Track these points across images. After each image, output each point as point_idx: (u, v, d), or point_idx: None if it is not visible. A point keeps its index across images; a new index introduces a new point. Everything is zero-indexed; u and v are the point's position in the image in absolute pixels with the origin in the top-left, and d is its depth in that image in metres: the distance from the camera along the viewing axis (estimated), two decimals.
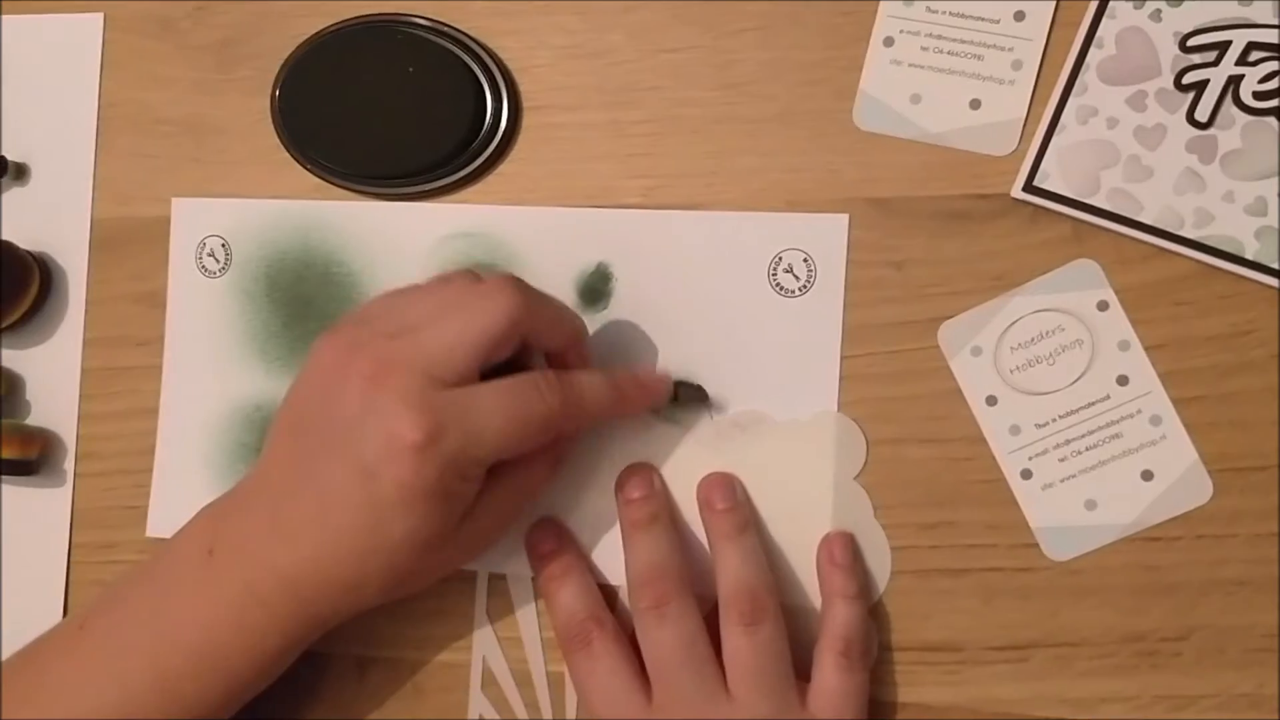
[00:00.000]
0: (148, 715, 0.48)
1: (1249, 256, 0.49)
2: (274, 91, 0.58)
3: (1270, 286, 0.49)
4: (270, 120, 0.58)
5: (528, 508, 0.53)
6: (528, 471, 0.51)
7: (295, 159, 0.58)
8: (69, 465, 0.60)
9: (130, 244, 0.60)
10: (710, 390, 0.54)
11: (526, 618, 0.55)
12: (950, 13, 0.53)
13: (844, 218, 0.53)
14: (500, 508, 0.50)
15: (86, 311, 0.60)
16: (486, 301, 0.47)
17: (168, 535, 0.57)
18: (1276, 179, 0.49)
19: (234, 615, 0.48)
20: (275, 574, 0.47)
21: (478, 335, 0.46)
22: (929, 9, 0.53)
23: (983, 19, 0.52)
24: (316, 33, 0.58)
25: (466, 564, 0.52)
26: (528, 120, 0.57)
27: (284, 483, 0.48)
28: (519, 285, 0.48)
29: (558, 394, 0.48)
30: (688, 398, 0.53)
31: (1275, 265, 0.49)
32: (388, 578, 0.47)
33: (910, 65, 0.53)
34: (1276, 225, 0.49)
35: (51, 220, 0.61)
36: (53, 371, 0.60)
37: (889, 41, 0.53)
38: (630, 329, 0.55)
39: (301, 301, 0.58)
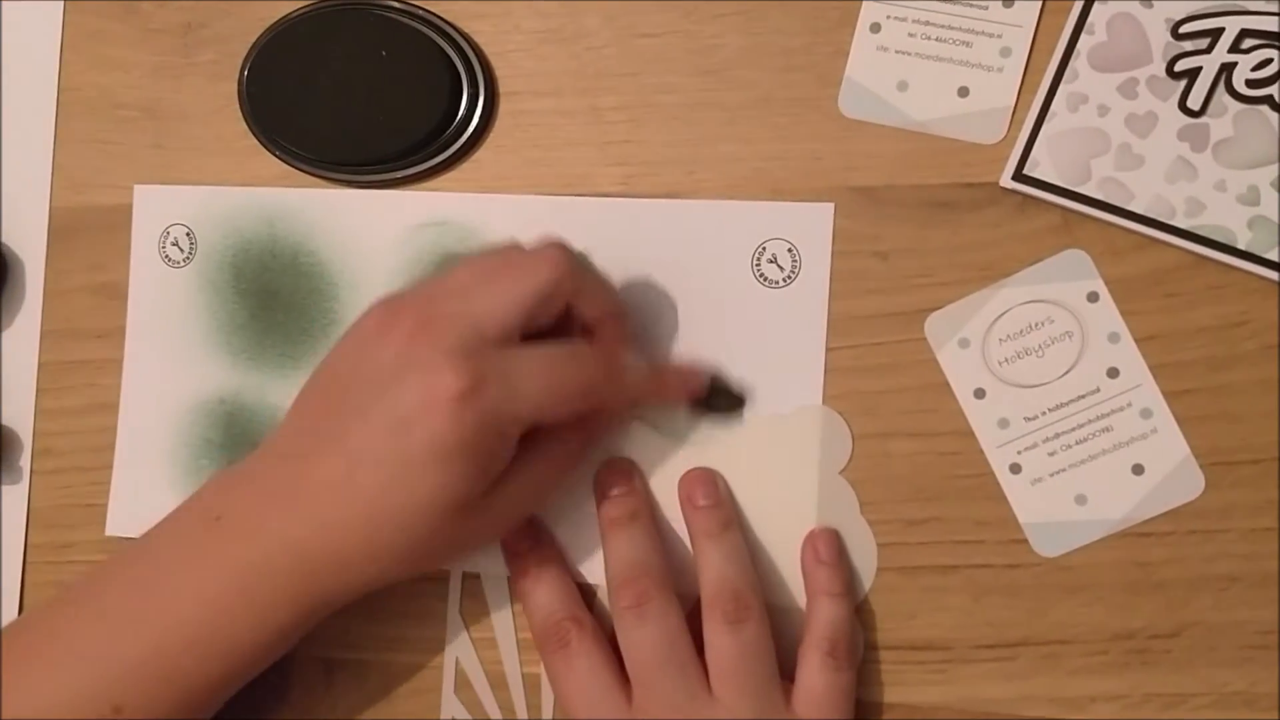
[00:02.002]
0: (143, 691, 0.46)
1: (1241, 246, 0.49)
2: (242, 75, 0.56)
3: (1262, 277, 0.49)
4: (236, 105, 0.56)
5: (556, 488, 0.51)
6: (562, 445, 0.49)
7: (263, 145, 0.56)
8: (25, 462, 0.58)
9: (88, 233, 0.58)
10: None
11: (501, 618, 0.54)
12: None
13: (829, 207, 0.52)
14: (530, 481, 0.48)
15: (43, 303, 0.58)
16: (533, 262, 0.47)
17: (128, 534, 0.56)
18: (1269, 168, 0.49)
19: (239, 587, 0.46)
20: (287, 544, 0.45)
21: (524, 293, 0.46)
22: None
23: (971, 5, 0.51)
24: (286, 15, 0.56)
25: (486, 543, 0.52)
26: (503, 106, 0.55)
27: (308, 445, 0.46)
28: (565, 248, 0.48)
29: (600, 364, 0.48)
30: (723, 403, 0.52)
31: (1267, 255, 0.48)
32: (408, 547, 0.45)
33: (897, 52, 0.52)
34: (1269, 215, 0.48)
35: (8, 208, 0.59)
36: (8, 365, 0.58)
37: (875, 27, 0.52)
38: None
39: (268, 292, 0.56)
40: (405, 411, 0.44)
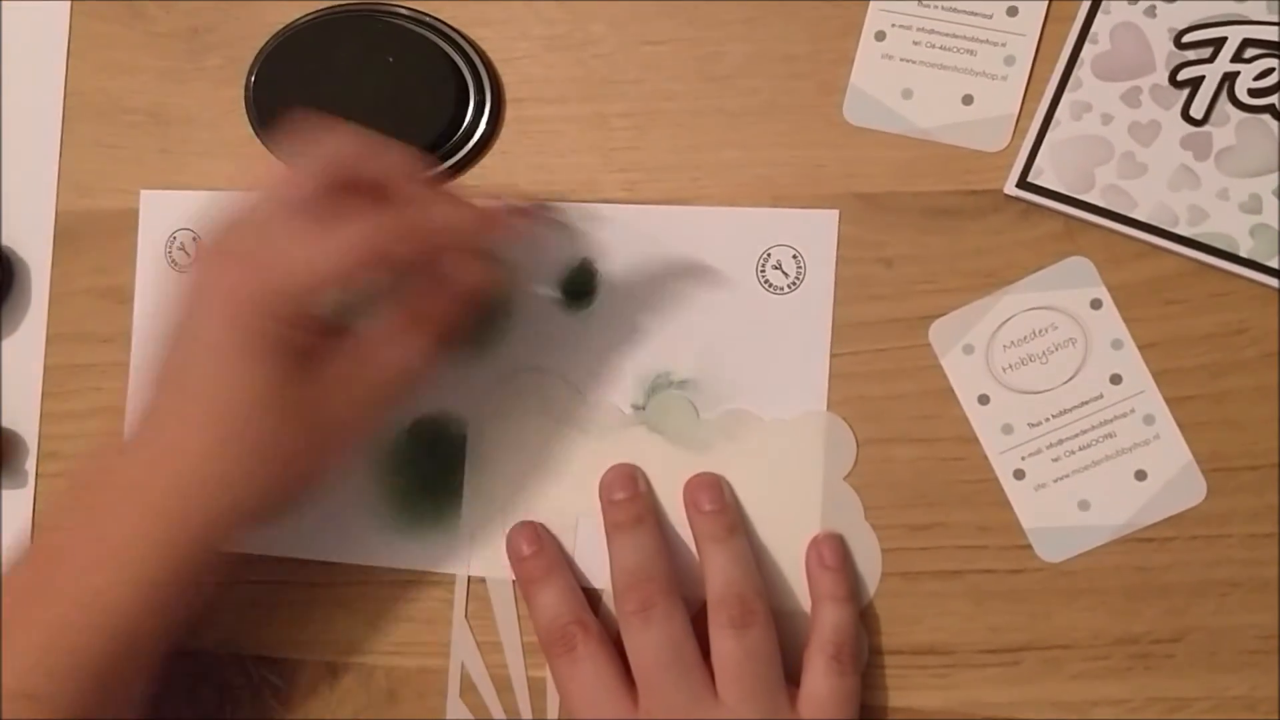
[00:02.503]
0: (51, 677, 0.44)
1: (1243, 254, 0.49)
2: (249, 80, 0.57)
3: (1264, 285, 0.49)
4: (243, 110, 0.57)
5: (402, 383, 0.49)
6: (399, 340, 0.48)
7: (270, 150, 0.56)
8: (30, 466, 0.58)
9: (94, 237, 0.58)
10: (698, 388, 0.53)
11: (506, 622, 0.54)
12: (943, 7, 0.52)
13: (834, 213, 0.52)
14: (359, 375, 0.47)
15: (49, 307, 0.58)
16: (313, 152, 0.46)
17: None
18: (1270, 176, 0.49)
19: (108, 551, 0.45)
20: (133, 489, 0.45)
21: (304, 182, 0.46)
22: (921, 3, 0.52)
23: (976, 14, 0.52)
24: (293, 21, 0.56)
25: (338, 452, 0.48)
26: (509, 112, 0.55)
27: (147, 402, 0.46)
28: (338, 130, 0.47)
29: (387, 211, 0.45)
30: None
31: (1269, 263, 0.49)
32: (252, 462, 0.45)
33: (902, 60, 0.52)
34: (1270, 223, 0.49)
35: (13, 212, 0.59)
36: (14, 368, 0.58)
37: (880, 35, 0.52)
38: (615, 326, 0.53)
39: None
40: (197, 325, 0.44)
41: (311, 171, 0.46)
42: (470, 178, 0.55)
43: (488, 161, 0.55)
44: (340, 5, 0.56)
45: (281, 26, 0.56)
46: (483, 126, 0.55)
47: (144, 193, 0.58)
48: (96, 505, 0.46)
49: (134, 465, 0.45)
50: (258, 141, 0.56)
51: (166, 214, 0.57)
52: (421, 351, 0.49)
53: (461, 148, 0.55)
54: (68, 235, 0.58)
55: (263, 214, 0.45)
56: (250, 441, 0.44)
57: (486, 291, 0.51)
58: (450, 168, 0.55)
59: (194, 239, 0.57)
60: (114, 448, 0.47)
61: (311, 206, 0.45)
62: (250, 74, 0.56)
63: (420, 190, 0.48)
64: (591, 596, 0.53)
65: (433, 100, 0.54)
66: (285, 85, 0.56)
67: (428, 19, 0.55)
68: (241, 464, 0.45)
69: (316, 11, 0.56)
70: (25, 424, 0.58)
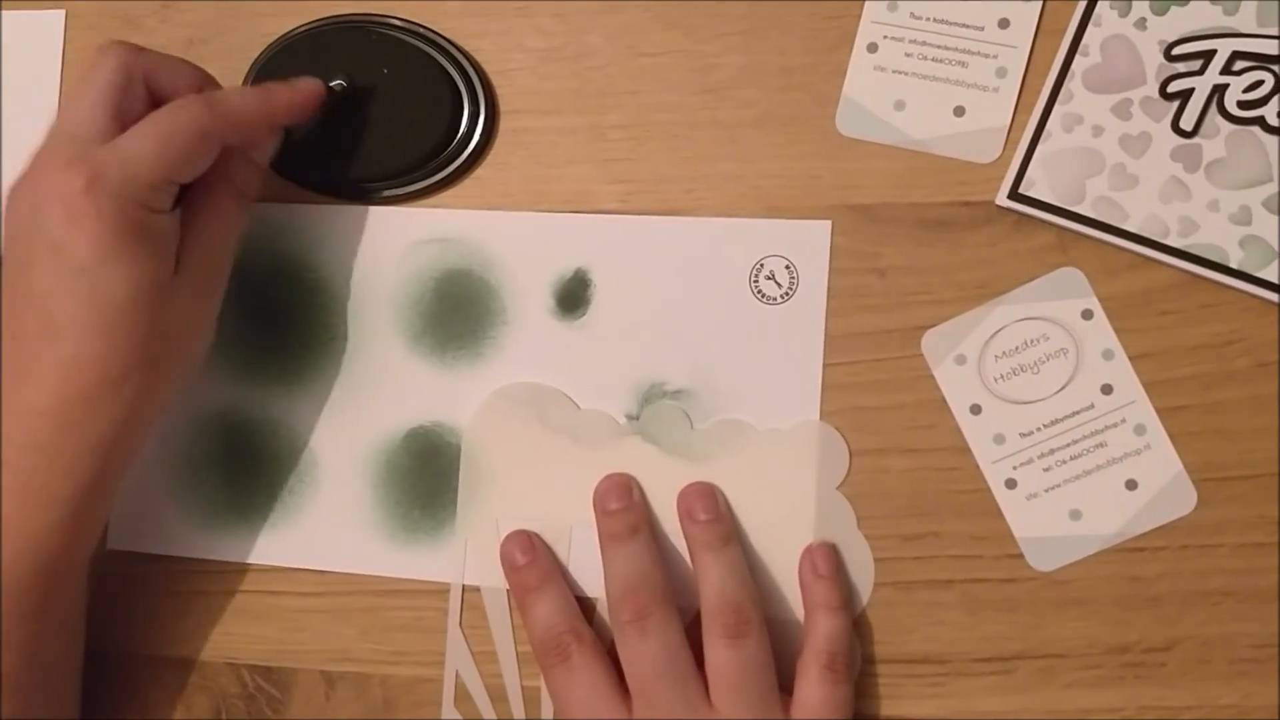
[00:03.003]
0: None
1: (1233, 265, 0.49)
2: None
3: (1255, 296, 0.49)
4: None
5: (232, 243, 0.52)
6: (218, 202, 0.51)
7: None
8: None
9: None
10: (692, 398, 0.53)
11: (501, 631, 0.54)
12: (934, 19, 0.52)
13: (826, 224, 0.52)
14: (203, 244, 0.50)
15: None
16: (92, 68, 0.48)
17: (130, 547, 0.56)
18: (1260, 188, 0.49)
19: (10, 477, 0.46)
20: (28, 411, 0.46)
21: (95, 94, 0.47)
22: (913, 15, 0.52)
23: (967, 26, 0.52)
24: (288, 32, 0.57)
25: (205, 329, 0.51)
26: (504, 123, 0.56)
27: (8, 324, 0.47)
28: (118, 46, 0.49)
29: (201, 103, 0.48)
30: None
31: (1259, 275, 0.49)
32: (131, 350, 0.46)
33: (894, 71, 0.52)
34: (1260, 234, 0.49)
35: None
36: None
37: (873, 47, 0.53)
38: (610, 335, 0.54)
39: (271, 307, 0.56)
40: (57, 235, 0.45)
41: (102, 75, 0.48)
42: (467, 189, 0.56)
43: (483, 172, 0.55)
44: (335, 17, 0.56)
45: (275, 38, 0.57)
46: (477, 137, 0.55)
47: None
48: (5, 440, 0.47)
49: (25, 385, 0.46)
50: None
51: None
52: (239, 217, 0.52)
53: (456, 158, 0.55)
54: None
55: (75, 119, 0.47)
56: (137, 328, 0.46)
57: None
58: (446, 179, 0.55)
59: None
60: (9, 364, 0.48)
61: (118, 105, 0.48)
62: (245, 85, 0.56)
63: (205, 84, 0.52)
64: (586, 606, 0.53)
65: (427, 111, 0.55)
66: None
67: (422, 30, 0.55)
68: (132, 358, 0.47)
69: (311, 23, 0.56)
70: None
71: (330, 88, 0.54)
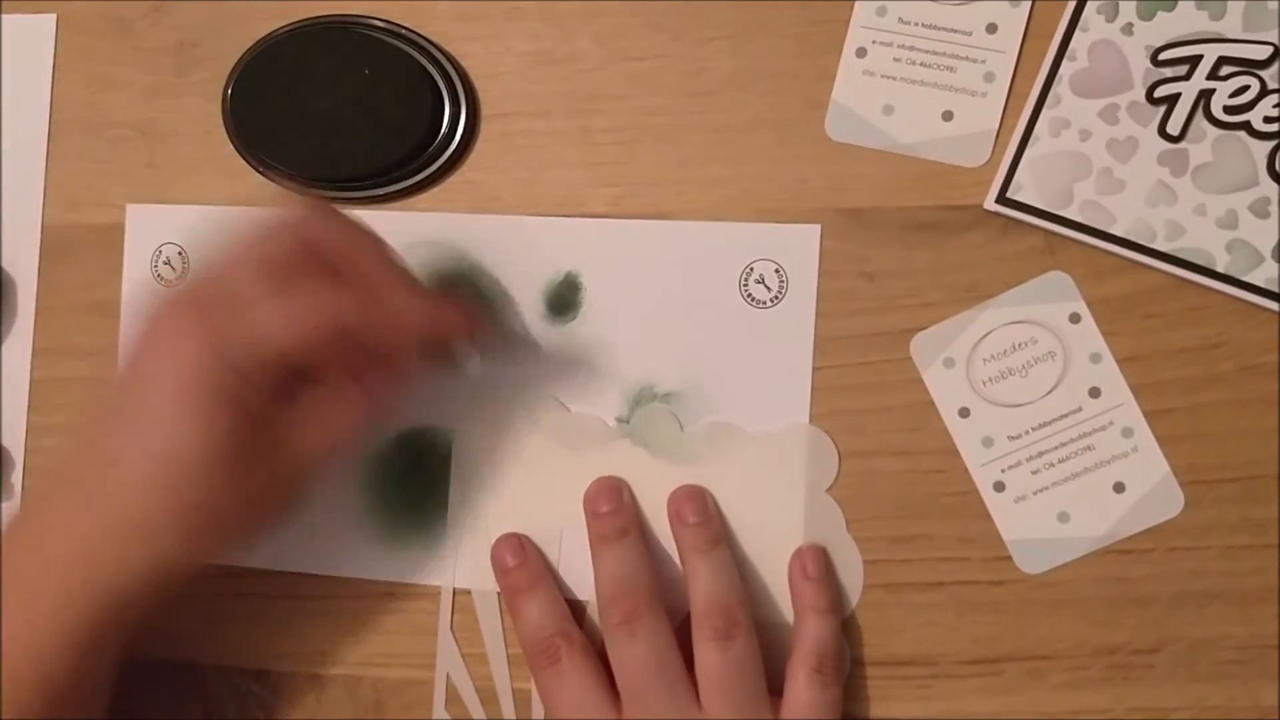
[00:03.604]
0: None
1: (1219, 269, 0.49)
2: (226, 93, 0.57)
3: (1240, 299, 0.50)
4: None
5: (340, 448, 0.49)
6: (335, 405, 0.48)
7: (247, 161, 0.57)
8: (16, 479, 0.58)
9: (81, 251, 0.58)
10: (682, 401, 0.53)
11: (492, 633, 0.54)
12: (923, 24, 0.52)
13: (816, 228, 0.53)
14: (303, 445, 0.47)
15: (36, 320, 0.58)
16: (269, 224, 0.46)
17: None
18: (1246, 192, 0.49)
19: (28, 600, 0.45)
20: (64, 538, 0.45)
21: (268, 255, 0.45)
22: (901, 20, 0.52)
23: (955, 31, 0.52)
24: (269, 33, 0.57)
25: (268, 518, 0.48)
26: (494, 127, 0.56)
27: (86, 439, 0.46)
28: (303, 204, 0.47)
29: (350, 293, 0.46)
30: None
31: (1245, 278, 0.49)
32: (180, 518, 0.44)
33: (883, 76, 0.53)
34: (1246, 238, 0.49)
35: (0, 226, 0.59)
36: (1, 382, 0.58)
37: (861, 52, 0.53)
38: (600, 339, 0.54)
39: None
40: (151, 369, 0.44)
41: (279, 236, 0.46)
42: (458, 192, 0.56)
43: (473, 176, 0.56)
44: (318, 18, 0.56)
45: (258, 39, 0.57)
46: (458, 137, 0.55)
47: (130, 207, 0.58)
48: (30, 545, 0.46)
49: (70, 507, 0.45)
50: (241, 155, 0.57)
51: (153, 228, 0.58)
52: (360, 419, 0.49)
53: (438, 158, 0.55)
54: (55, 249, 0.59)
55: (228, 271, 0.45)
56: (193, 495, 0.44)
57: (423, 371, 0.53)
58: (428, 178, 0.55)
59: (180, 253, 0.57)
60: (54, 480, 0.47)
61: (276, 271, 0.45)
62: (227, 86, 0.57)
63: (381, 272, 0.48)
64: (576, 608, 0.53)
65: (408, 112, 0.55)
66: (262, 97, 0.56)
67: (404, 31, 0.56)
68: (176, 521, 0.45)
69: (293, 24, 0.57)
70: (11, 437, 0.58)
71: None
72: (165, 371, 0.43)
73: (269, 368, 0.45)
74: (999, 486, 0.51)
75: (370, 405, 0.49)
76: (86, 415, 0.47)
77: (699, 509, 0.52)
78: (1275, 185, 0.49)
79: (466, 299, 0.52)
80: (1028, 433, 0.51)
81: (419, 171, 0.55)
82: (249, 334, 0.44)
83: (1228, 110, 0.50)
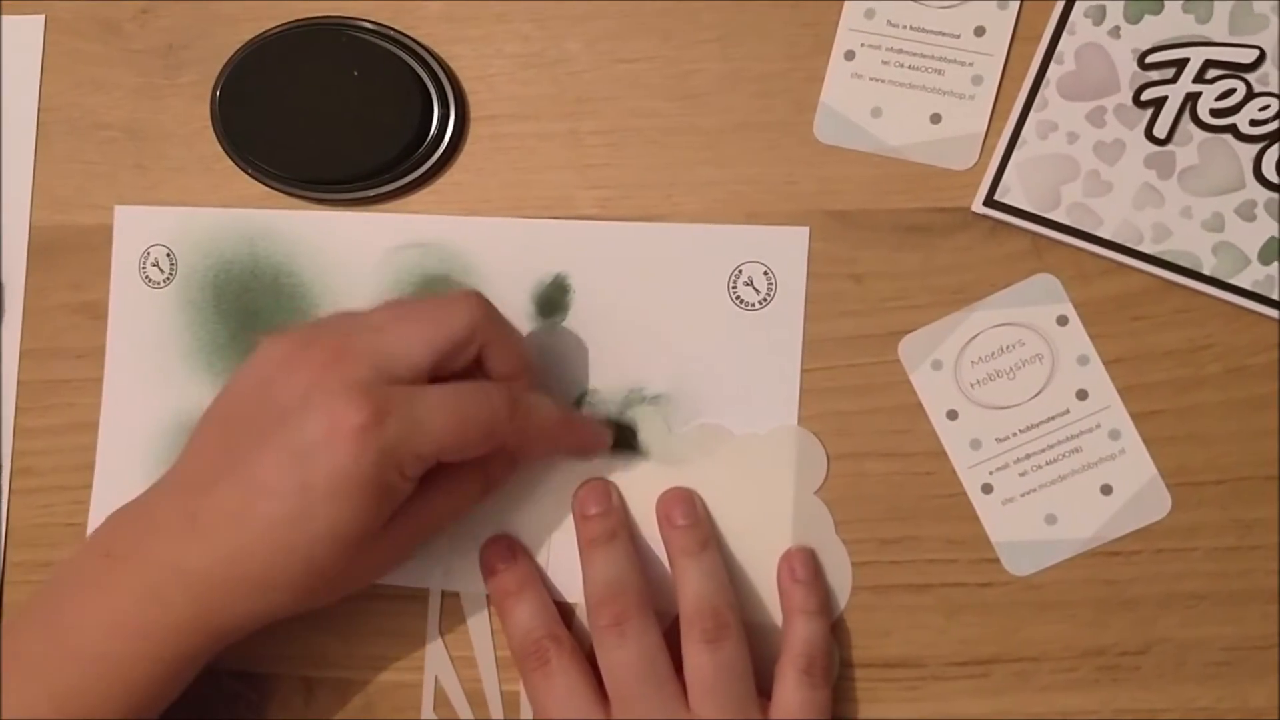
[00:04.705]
0: None
1: (1206, 272, 0.50)
2: (214, 94, 0.57)
3: (1226, 302, 0.50)
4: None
5: (449, 527, 0.51)
6: (460, 486, 0.50)
7: (234, 162, 0.56)
8: (4, 481, 0.58)
9: (69, 252, 0.58)
10: (671, 403, 0.53)
11: (481, 636, 0.54)
12: (911, 27, 0.53)
13: (804, 230, 0.53)
14: (426, 519, 0.49)
15: (23, 322, 0.58)
16: (450, 307, 0.47)
17: None
18: (1232, 195, 0.50)
19: (131, 619, 0.45)
20: (181, 572, 0.45)
21: (437, 335, 0.46)
22: (890, 22, 0.53)
23: (943, 34, 0.52)
24: (258, 35, 0.57)
25: (378, 578, 0.50)
26: (483, 129, 0.56)
27: (206, 475, 0.46)
28: (482, 298, 0.48)
29: (506, 403, 0.47)
30: (622, 444, 0.54)
31: (1231, 281, 0.50)
32: (303, 579, 0.45)
33: (871, 79, 0.53)
34: (1232, 241, 0.50)
35: None
36: None
37: (850, 55, 0.53)
38: (589, 341, 0.54)
39: (249, 313, 0.56)
40: (308, 442, 0.43)
41: (456, 323, 0.47)
42: (447, 194, 0.56)
43: (462, 178, 0.56)
44: (307, 19, 0.56)
45: (246, 40, 0.57)
46: (448, 138, 0.55)
47: (119, 208, 0.58)
48: (133, 572, 0.46)
49: (191, 552, 0.45)
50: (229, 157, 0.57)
51: (141, 230, 0.57)
52: (477, 501, 0.51)
53: (427, 160, 0.55)
54: (42, 250, 0.58)
55: (402, 344, 0.46)
56: (320, 566, 0.45)
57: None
58: (417, 180, 0.55)
59: (168, 255, 0.57)
60: (152, 508, 0.47)
61: (445, 360, 0.46)
62: (216, 88, 0.57)
63: (529, 380, 0.50)
64: (565, 611, 0.53)
65: (397, 114, 0.55)
66: (250, 99, 0.56)
67: (393, 33, 0.56)
68: (299, 582, 0.45)
69: (282, 25, 0.56)
70: None
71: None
72: (326, 455, 0.43)
73: (425, 464, 0.45)
74: (987, 488, 0.51)
75: (487, 488, 0.51)
76: (201, 434, 0.47)
77: (688, 511, 0.52)
78: (1261, 188, 0.50)
79: (598, 422, 0.54)
80: (1015, 435, 0.51)
81: (408, 173, 0.55)
82: (417, 435, 0.44)
83: (1214, 113, 0.50)
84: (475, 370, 0.48)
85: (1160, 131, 0.50)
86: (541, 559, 0.54)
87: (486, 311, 0.47)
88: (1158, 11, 0.51)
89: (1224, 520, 0.50)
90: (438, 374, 0.46)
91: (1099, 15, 0.51)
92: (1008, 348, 0.51)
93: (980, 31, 0.52)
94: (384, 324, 0.46)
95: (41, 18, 0.59)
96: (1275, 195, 0.49)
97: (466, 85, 0.56)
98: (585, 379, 0.54)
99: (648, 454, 0.53)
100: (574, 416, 0.53)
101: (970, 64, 0.52)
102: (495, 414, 0.46)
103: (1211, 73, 0.50)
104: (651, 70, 0.55)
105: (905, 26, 0.53)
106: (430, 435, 0.45)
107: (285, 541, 0.44)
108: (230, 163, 0.57)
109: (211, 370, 0.56)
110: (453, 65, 0.56)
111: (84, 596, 0.46)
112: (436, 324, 0.46)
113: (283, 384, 0.45)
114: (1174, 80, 0.50)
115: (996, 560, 0.51)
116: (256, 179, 0.56)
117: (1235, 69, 0.50)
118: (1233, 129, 0.50)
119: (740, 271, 0.53)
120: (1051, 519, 0.51)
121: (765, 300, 0.53)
